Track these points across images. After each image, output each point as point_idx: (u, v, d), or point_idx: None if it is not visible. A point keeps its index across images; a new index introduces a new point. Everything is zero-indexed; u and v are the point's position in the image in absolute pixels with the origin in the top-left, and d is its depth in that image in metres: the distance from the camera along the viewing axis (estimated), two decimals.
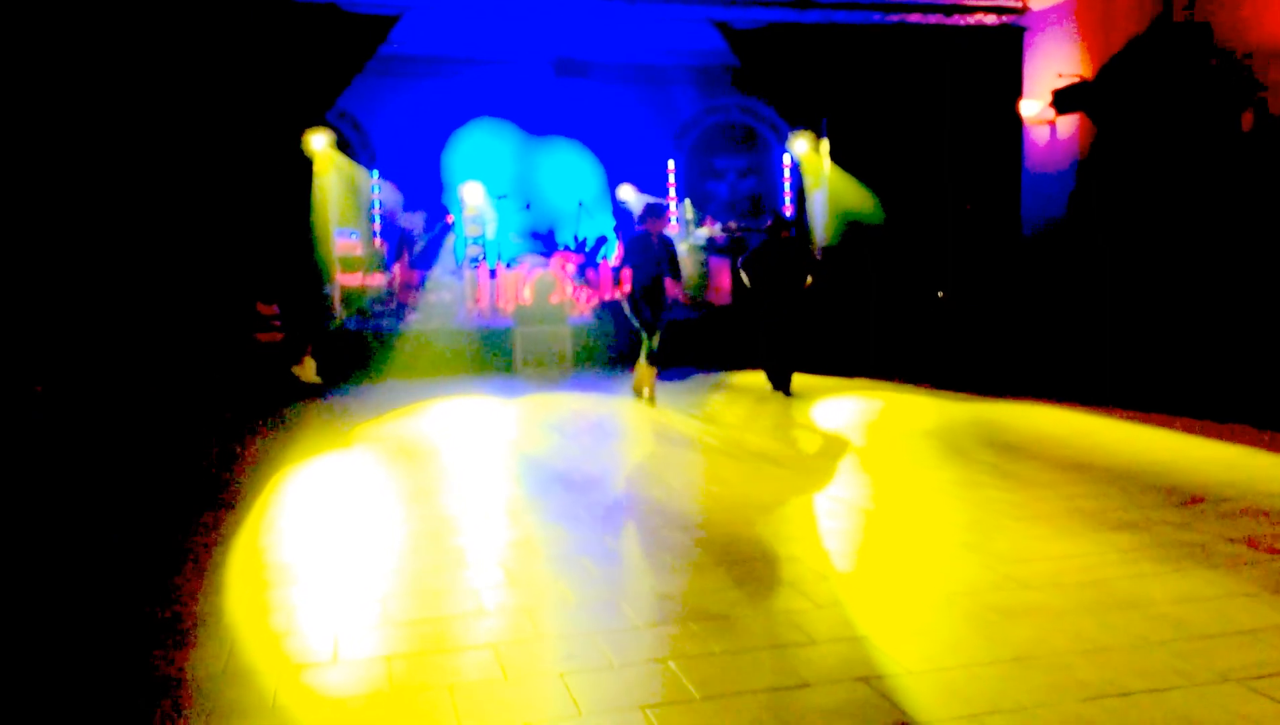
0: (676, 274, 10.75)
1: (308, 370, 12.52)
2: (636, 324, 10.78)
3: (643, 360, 10.82)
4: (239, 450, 8.57)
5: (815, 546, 5.42)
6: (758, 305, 11.47)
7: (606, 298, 15.14)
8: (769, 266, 11.33)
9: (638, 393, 10.95)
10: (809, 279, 11.42)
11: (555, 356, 13.78)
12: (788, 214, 17.68)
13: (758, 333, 11.71)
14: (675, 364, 13.84)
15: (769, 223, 11.68)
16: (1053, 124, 12.60)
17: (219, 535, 5.82)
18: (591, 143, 18.09)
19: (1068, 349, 11.97)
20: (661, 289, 10.72)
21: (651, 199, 15.10)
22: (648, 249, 10.68)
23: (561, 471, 7.55)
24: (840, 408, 10.47)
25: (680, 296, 11.11)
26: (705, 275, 16.12)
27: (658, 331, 10.74)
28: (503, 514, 6.25)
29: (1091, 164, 11.98)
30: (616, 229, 17.36)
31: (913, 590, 4.68)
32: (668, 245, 10.76)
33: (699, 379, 12.73)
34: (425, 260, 15.92)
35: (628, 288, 10.69)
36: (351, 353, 13.34)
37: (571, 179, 18.03)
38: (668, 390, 11.82)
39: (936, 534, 5.60)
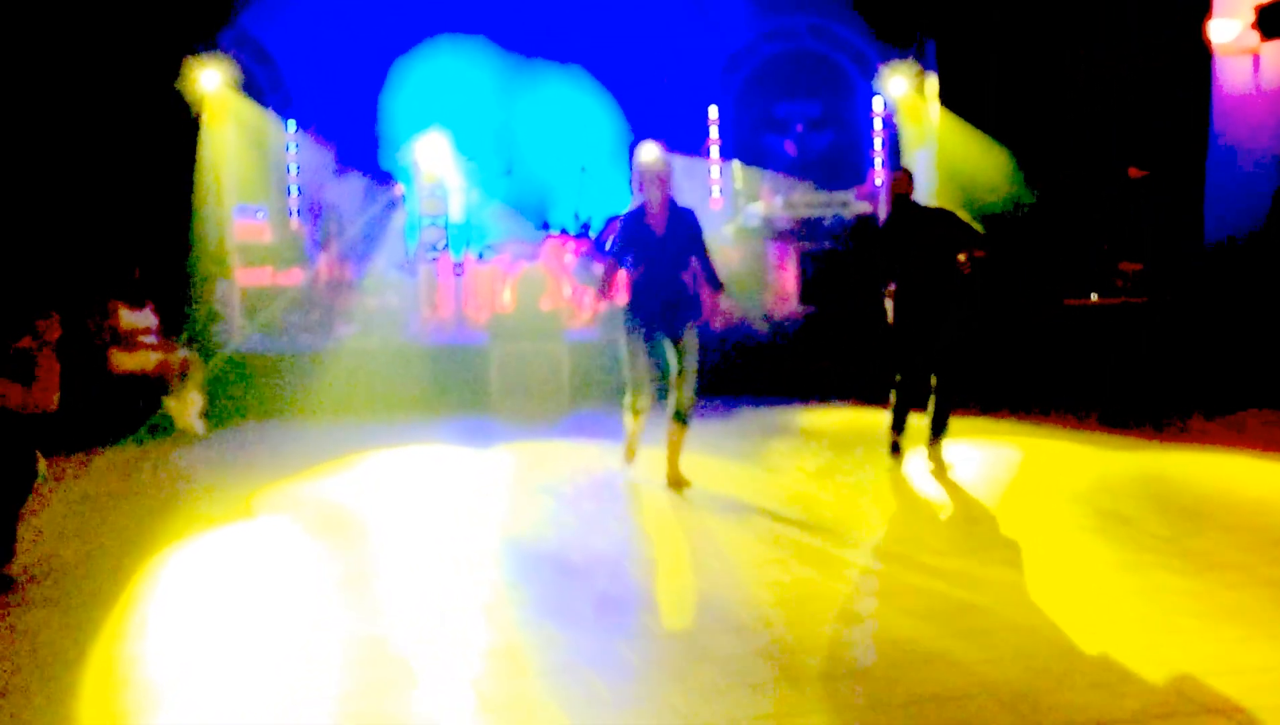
0: (714, 278, 9.35)
1: (189, 407, 12.62)
2: (631, 368, 9.42)
3: (667, 421, 9.43)
4: (83, 525, 8.69)
5: (910, 658, 5.44)
6: (903, 315, 10.17)
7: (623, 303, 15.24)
8: (904, 247, 10.08)
9: (629, 455, 9.87)
10: (963, 257, 10.08)
11: (547, 387, 13.86)
12: (877, 180, 17.76)
13: (894, 353, 10.41)
14: (719, 392, 13.86)
15: (887, 180, 11.15)
16: (1256, 55, 12.66)
17: (53, 650, 5.92)
18: (603, 77, 18.16)
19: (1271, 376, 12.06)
20: (686, 301, 9.36)
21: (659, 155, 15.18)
22: (649, 233, 9.32)
23: (555, 551, 7.62)
24: (953, 459, 10.50)
25: (718, 314, 9.56)
26: (761, 272, 16.14)
27: (685, 373, 9.27)
28: (472, 610, 6.33)
29: None
30: None
31: (1054, 719, 4.73)
32: (690, 226, 9.34)
33: (752, 416, 12.80)
34: (363, 249, 16.04)
35: (618, 299, 9.64)
36: (255, 382, 13.46)
37: (572, 130, 18.08)
38: (707, 432, 11.83)
39: (1087, 638, 5.64)
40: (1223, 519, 8.05)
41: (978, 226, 10.06)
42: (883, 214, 11.73)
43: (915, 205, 10.31)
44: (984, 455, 10.73)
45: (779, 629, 5.91)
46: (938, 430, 10.09)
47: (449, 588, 6.80)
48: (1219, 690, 4.95)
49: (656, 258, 9.23)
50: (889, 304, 10.21)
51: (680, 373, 9.25)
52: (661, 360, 9.36)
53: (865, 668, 5.36)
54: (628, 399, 9.49)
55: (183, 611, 6.45)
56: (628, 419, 9.61)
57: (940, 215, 10.28)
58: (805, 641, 5.70)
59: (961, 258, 10.08)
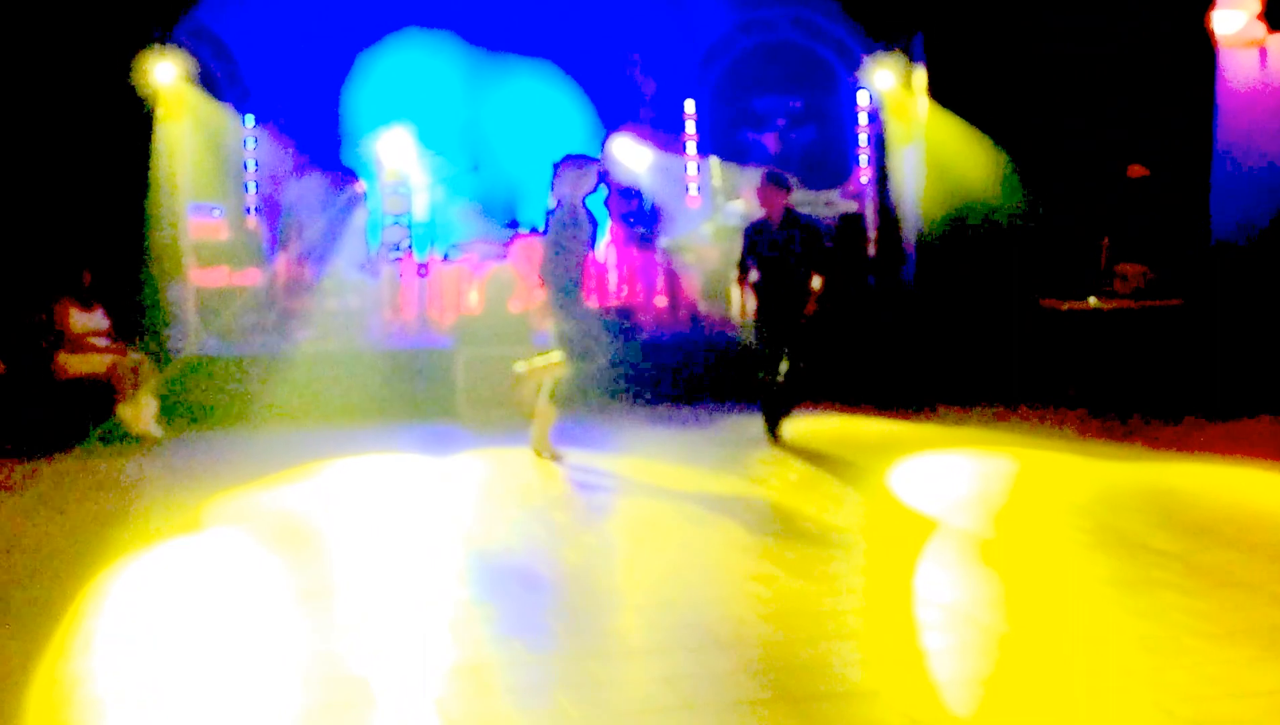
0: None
1: (142, 413, 12.54)
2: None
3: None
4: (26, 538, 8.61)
5: (908, 677, 5.43)
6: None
7: (597, 306, 15.20)
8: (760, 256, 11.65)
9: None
10: (817, 282, 11.51)
11: (517, 393, 13.81)
12: (862, 178, 17.77)
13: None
14: (698, 398, 13.88)
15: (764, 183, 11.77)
16: (1263, 47, 12.66)
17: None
18: (572, 70, 18.15)
19: None
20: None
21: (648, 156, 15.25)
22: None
23: (523, 564, 7.57)
24: (941, 468, 10.49)
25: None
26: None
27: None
28: (436, 627, 6.27)
29: None
30: (609, 201, 17.42)
31: None
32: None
33: (733, 424, 12.76)
34: (323, 249, 15.99)
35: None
36: (210, 388, 13.39)
37: (542, 126, 18.08)
38: (686, 441, 11.84)
39: (1086, 658, 5.60)
40: (1231, 534, 8.00)
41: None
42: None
43: (791, 216, 11.65)
44: (978, 466, 10.72)
45: (764, 646, 5.86)
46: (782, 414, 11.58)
47: (412, 603, 6.74)
48: (1228, 714, 4.91)
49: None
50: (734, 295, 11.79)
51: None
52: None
53: (858, 687, 5.31)
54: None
55: (132, 627, 6.38)
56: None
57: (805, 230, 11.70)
58: (793, 659, 5.65)
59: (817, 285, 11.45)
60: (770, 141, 18.97)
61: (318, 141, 17.45)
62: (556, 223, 10.91)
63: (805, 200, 16.50)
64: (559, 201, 10.97)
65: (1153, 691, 5.17)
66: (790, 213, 11.53)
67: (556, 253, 10.81)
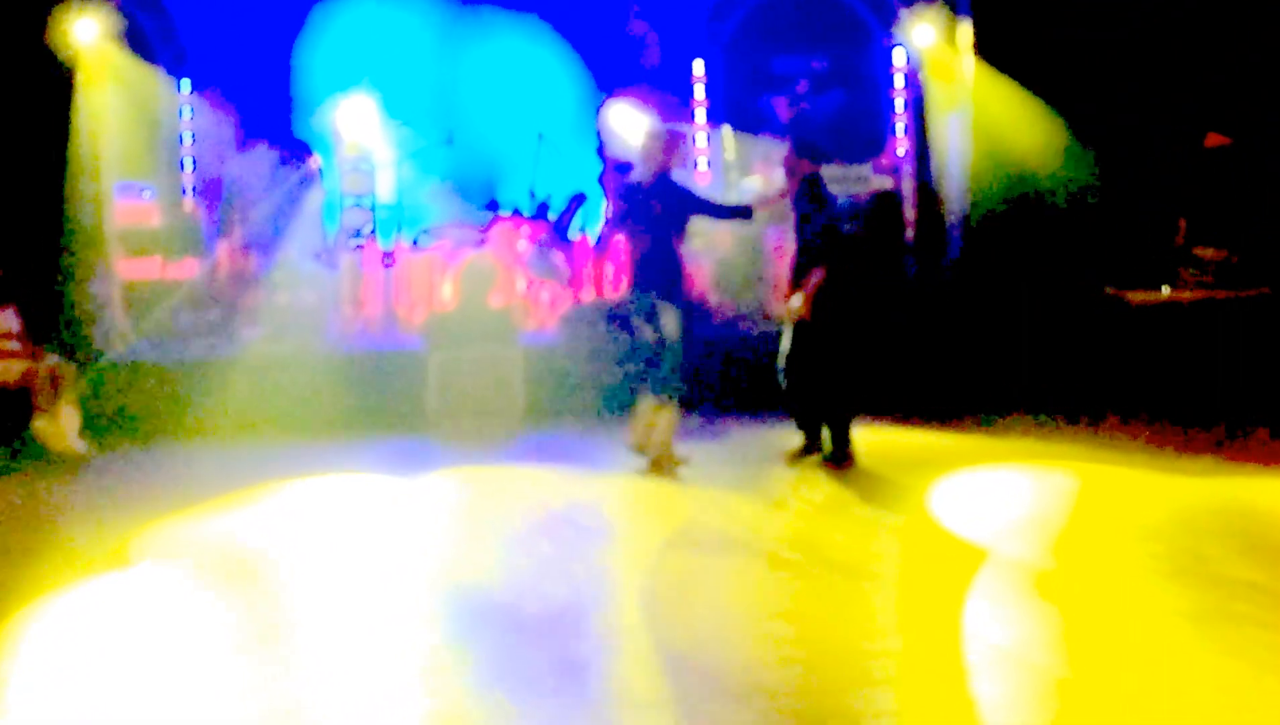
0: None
1: (62, 428, 12.56)
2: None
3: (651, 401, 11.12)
4: None
5: None
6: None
7: (590, 300, 15.23)
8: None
9: (655, 458, 11.12)
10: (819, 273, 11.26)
11: (496, 401, 13.84)
12: (899, 150, 17.79)
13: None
14: (710, 406, 13.87)
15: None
16: None
17: None
18: (561, 26, 18.16)
19: None
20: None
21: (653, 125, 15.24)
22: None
23: (505, 602, 7.58)
24: (990, 487, 10.52)
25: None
26: (758, 262, 16.15)
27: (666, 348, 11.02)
28: (407, 675, 6.29)
29: None
30: (604, 178, 17.46)
31: None
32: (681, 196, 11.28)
33: (748, 437, 12.78)
34: (272, 236, 15.99)
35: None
36: (142, 397, 13.39)
37: (527, 91, 18.09)
38: (696, 456, 11.82)
39: (1158, 706, 5.63)
40: None
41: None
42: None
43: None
44: (1033, 484, 10.74)
45: (786, 696, 5.88)
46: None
47: (378, 648, 6.76)
48: None
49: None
50: None
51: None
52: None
53: None
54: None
55: (54, 674, 6.39)
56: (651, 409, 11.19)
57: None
58: (820, 710, 5.67)
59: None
60: (790, 109, 18.92)
61: (265, 110, 17.41)
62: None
63: (833, 175, 16.50)
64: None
65: None
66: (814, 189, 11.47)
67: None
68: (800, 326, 11.16)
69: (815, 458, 11.27)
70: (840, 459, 11.13)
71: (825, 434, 11.27)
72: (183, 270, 15.60)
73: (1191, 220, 14.44)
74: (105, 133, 14.48)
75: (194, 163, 17.68)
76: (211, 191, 16.79)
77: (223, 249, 15.83)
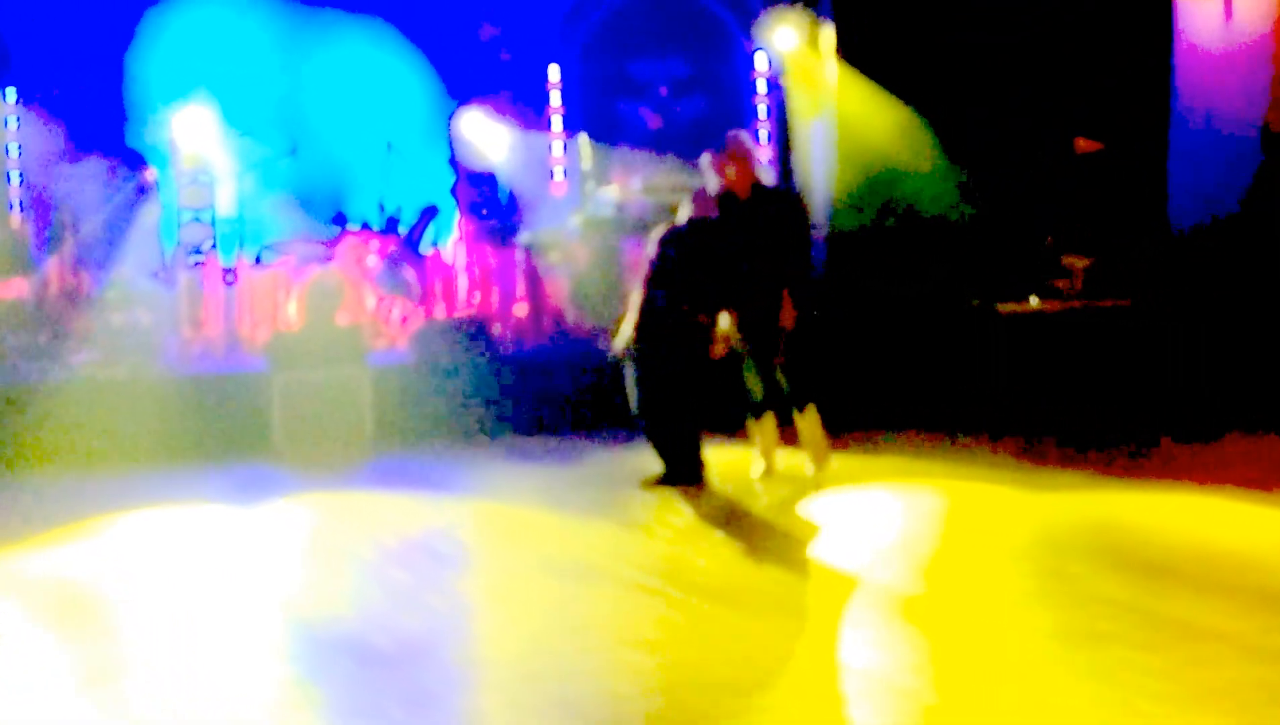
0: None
1: None
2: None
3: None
4: None
5: None
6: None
7: (443, 317, 15.22)
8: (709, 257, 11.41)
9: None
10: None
11: (344, 424, 13.79)
12: (762, 157, 17.91)
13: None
14: (565, 428, 13.96)
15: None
16: (1228, 1, 12.91)
17: None
18: (410, 30, 18.14)
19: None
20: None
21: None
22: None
23: (355, 635, 7.55)
24: (854, 508, 10.63)
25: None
26: (614, 274, 16.17)
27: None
28: (251, 714, 6.25)
29: None
30: (456, 189, 17.44)
31: None
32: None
33: (605, 459, 12.82)
34: (105, 252, 15.85)
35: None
36: None
37: (375, 99, 18.05)
38: (550, 481, 11.88)
39: None
40: (1194, 576, 8.17)
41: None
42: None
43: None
44: (899, 504, 10.84)
45: None
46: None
47: (222, 685, 6.72)
48: None
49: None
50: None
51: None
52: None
53: None
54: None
55: None
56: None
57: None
58: None
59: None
60: (648, 115, 19.02)
61: (97, 121, 17.30)
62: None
63: (692, 184, 16.58)
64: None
65: None
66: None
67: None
68: (639, 353, 11.24)
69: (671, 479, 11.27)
70: (692, 479, 11.18)
71: (674, 455, 11.30)
72: (9, 289, 15.42)
73: (1060, 228, 14.66)
74: None
75: (20, 176, 17.48)
76: (40, 206, 16.64)
77: (52, 267, 15.67)
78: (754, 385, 11.42)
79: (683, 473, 11.20)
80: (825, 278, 15.04)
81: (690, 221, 11.27)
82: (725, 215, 11.31)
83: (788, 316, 11.13)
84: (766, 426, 11.49)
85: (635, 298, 11.27)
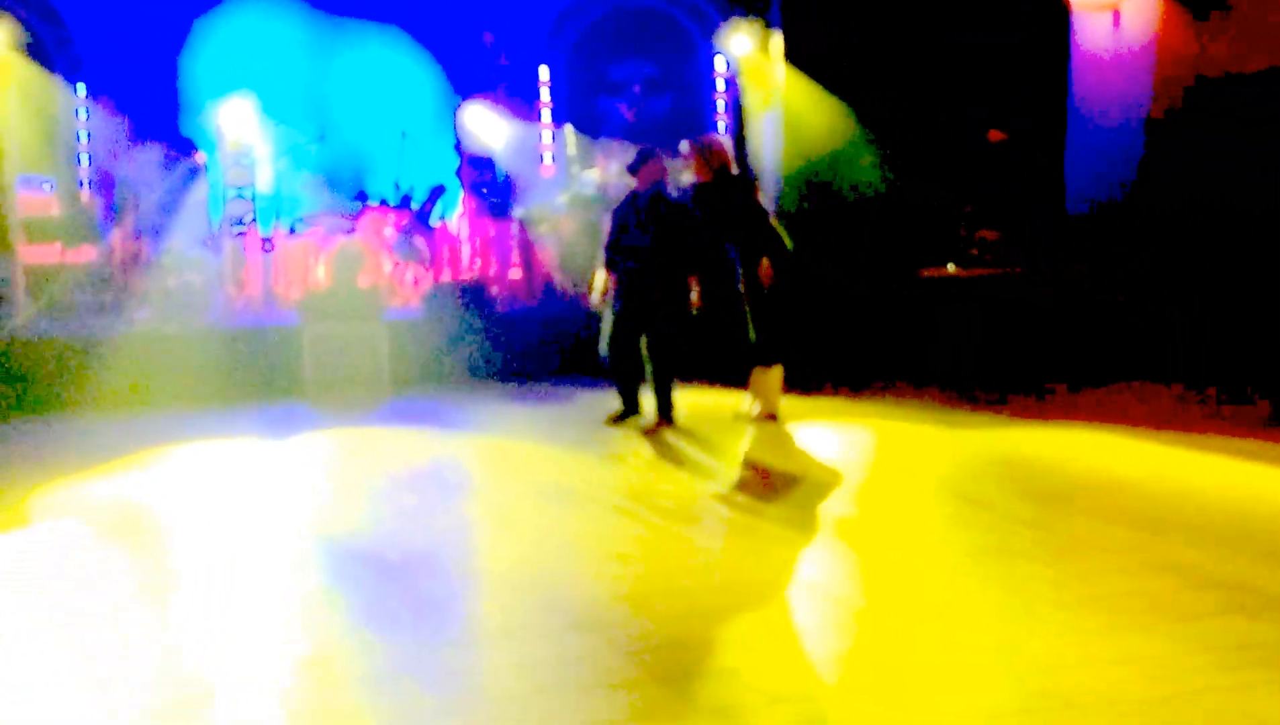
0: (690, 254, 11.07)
1: None
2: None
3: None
4: None
5: (768, 655, 5.51)
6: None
7: (449, 280, 15.18)
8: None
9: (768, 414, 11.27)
10: (764, 261, 11.13)
11: (364, 370, 13.74)
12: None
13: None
14: (554, 374, 13.93)
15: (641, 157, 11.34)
16: (1116, 10, 12.89)
17: None
18: (421, 36, 18.09)
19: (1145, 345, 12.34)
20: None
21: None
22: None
23: (371, 550, 7.54)
24: (801, 444, 10.61)
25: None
26: (596, 242, 16.16)
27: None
28: (281, 617, 6.24)
29: (1182, 94, 12.29)
30: (461, 172, 17.39)
31: (907, 719, 4.79)
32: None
33: (589, 401, 12.78)
34: (161, 224, 15.77)
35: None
36: (39, 370, 13.11)
37: (391, 94, 17.99)
38: (541, 419, 11.89)
39: (942, 630, 5.71)
40: (1090, 502, 8.22)
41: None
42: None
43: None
44: (832, 438, 10.87)
45: (623, 626, 5.90)
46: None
47: (255, 594, 6.70)
48: (1081, 683, 5.04)
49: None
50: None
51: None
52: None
53: (719, 665, 5.38)
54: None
55: None
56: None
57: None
58: (652, 639, 5.70)
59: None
60: (624, 110, 19.02)
61: (155, 112, 17.21)
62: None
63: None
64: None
65: (1006, 662, 5.29)
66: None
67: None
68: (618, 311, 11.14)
69: (634, 420, 11.20)
70: (664, 420, 11.08)
71: (646, 399, 11.22)
72: (80, 255, 15.37)
73: (975, 207, 14.63)
74: (7, 132, 14.21)
75: (90, 158, 17.42)
76: (106, 184, 16.58)
77: (116, 236, 15.59)
78: (753, 336, 11.31)
79: (667, 414, 11.09)
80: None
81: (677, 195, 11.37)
82: (697, 198, 11.28)
83: (764, 275, 11.01)
84: (771, 374, 11.32)
85: (600, 259, 11.27)
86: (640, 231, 10.95)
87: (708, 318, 11.18)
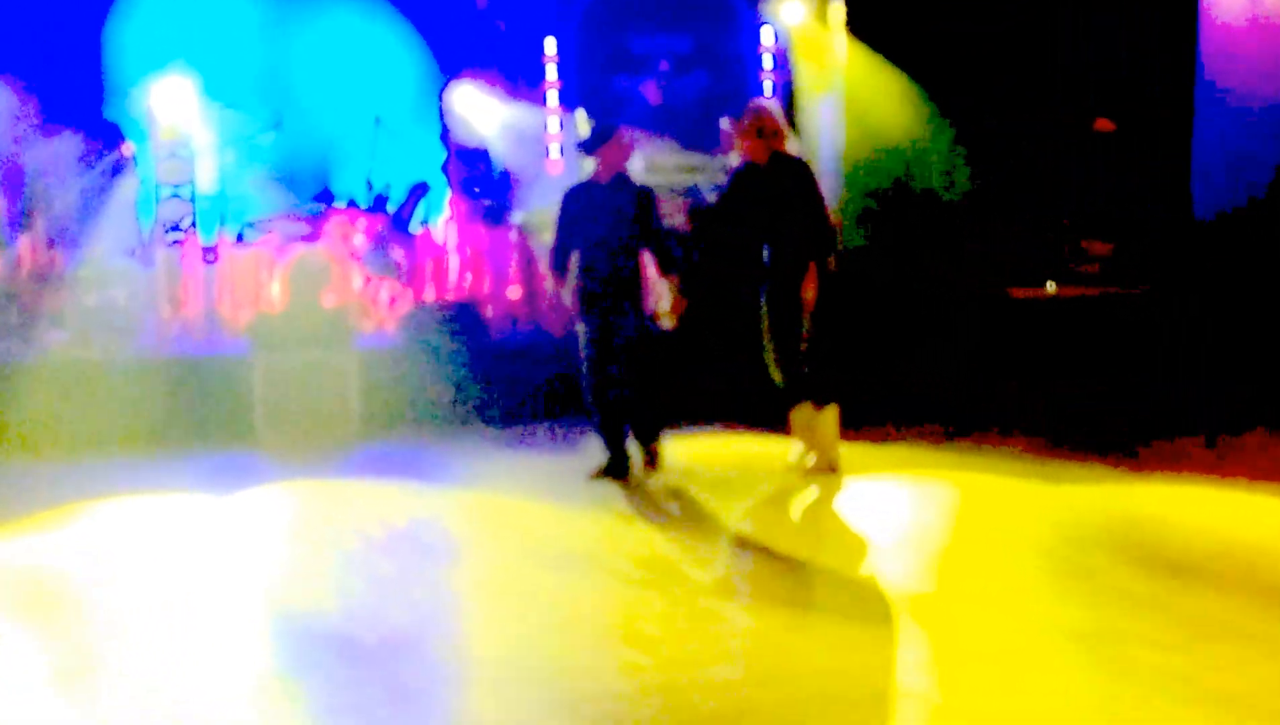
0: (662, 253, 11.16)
1: None
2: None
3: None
4: None
5: None
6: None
7: (433, 299, 15.20)
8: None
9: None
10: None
11: (329, 410, 13.77)
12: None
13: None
14: (558, 415, 13.91)
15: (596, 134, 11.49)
16: None
17: None
18: (401, 2, 18.16)
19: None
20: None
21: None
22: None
23: (340, 629, 7.56)
24: (866, 501, 10.59)
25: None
26: None
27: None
28: (232, 709, 6.23)
29: None
30: (447, 167, 17.43)
31: None
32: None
33: (600, 447, 12.81)
34: (80, 229, 15.85)
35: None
36: None
37: (363, 72, 18.06)
38: (543, 469, 11.90)
39: None
40: (1218, 574, 8.18)
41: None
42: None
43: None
44: (913, 497, 10.83)
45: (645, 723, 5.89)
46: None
47: (200, 681, 6.70)
48: None
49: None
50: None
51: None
52: None
53: None
54: None
55: None
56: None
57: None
58: None
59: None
60: (648, 91, 19.02)
61: (72, 93, 17.28)
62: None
63: (696, 164, 16.59)
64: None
65: None
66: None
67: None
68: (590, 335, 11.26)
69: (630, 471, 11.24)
70: (652, 459, 11.24)
71: (634, 445, 11.31)
72: None
73: (1078, 211, 14.63)
74: None
75: None
76: (11, 181, 16.61)
77: (24, 244, 15.63)
78: (774, 373, 11.22)
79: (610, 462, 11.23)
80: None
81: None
82: (745, 183, 11.22)
83: (811, 289, 10.99)
84: (800, 415, 11.23)
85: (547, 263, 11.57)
86: (602, 226, 11.01)
87: (737, 341, 11.19)
